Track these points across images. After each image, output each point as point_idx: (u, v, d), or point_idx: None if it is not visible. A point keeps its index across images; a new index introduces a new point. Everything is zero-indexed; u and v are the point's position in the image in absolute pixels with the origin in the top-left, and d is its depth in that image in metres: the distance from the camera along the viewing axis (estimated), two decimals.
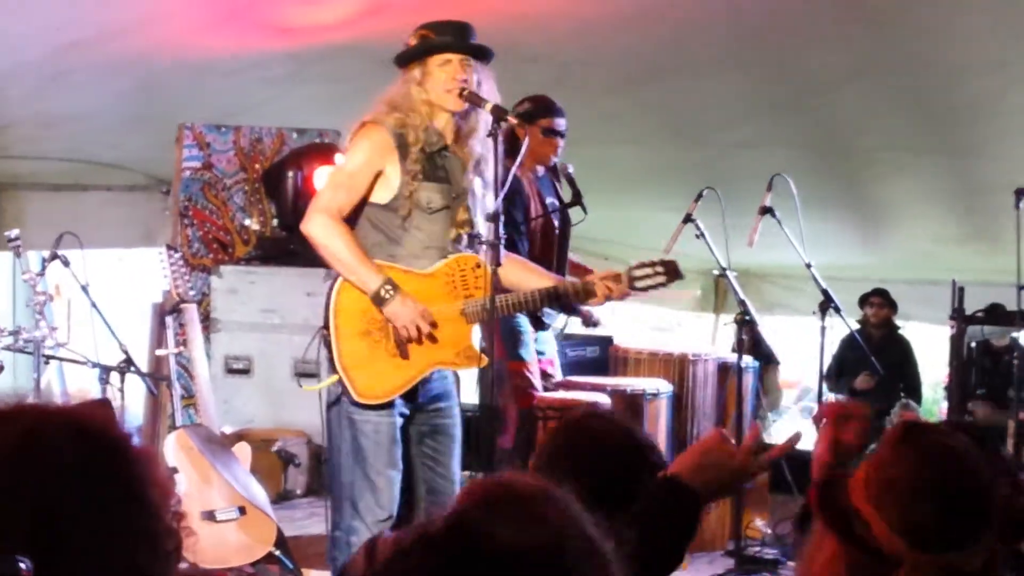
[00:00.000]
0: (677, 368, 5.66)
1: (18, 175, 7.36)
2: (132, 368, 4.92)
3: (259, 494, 4.59)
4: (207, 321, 6.31)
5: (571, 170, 5.21)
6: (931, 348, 9.13)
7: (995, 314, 6.31)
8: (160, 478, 1.35)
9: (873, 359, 6.49)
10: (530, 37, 5.31)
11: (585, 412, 2.55)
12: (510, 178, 4.00)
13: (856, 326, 7.15)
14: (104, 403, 4.26)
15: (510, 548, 1.18)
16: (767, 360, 6.55)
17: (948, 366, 6.77)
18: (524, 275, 3.92)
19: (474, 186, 3.86)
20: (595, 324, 5.82)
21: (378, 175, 3.73)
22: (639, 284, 3.85)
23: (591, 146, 5.81)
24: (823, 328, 5.39)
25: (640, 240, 7.89)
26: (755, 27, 5.48)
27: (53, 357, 5.18)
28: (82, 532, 1.25)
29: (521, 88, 4.84)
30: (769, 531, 5.63)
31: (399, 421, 3.78)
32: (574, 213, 5.26)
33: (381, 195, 3.75)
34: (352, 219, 3.77)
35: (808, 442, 2.28)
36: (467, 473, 4.39)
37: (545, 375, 5.33)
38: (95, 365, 4.94)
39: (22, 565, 1.19)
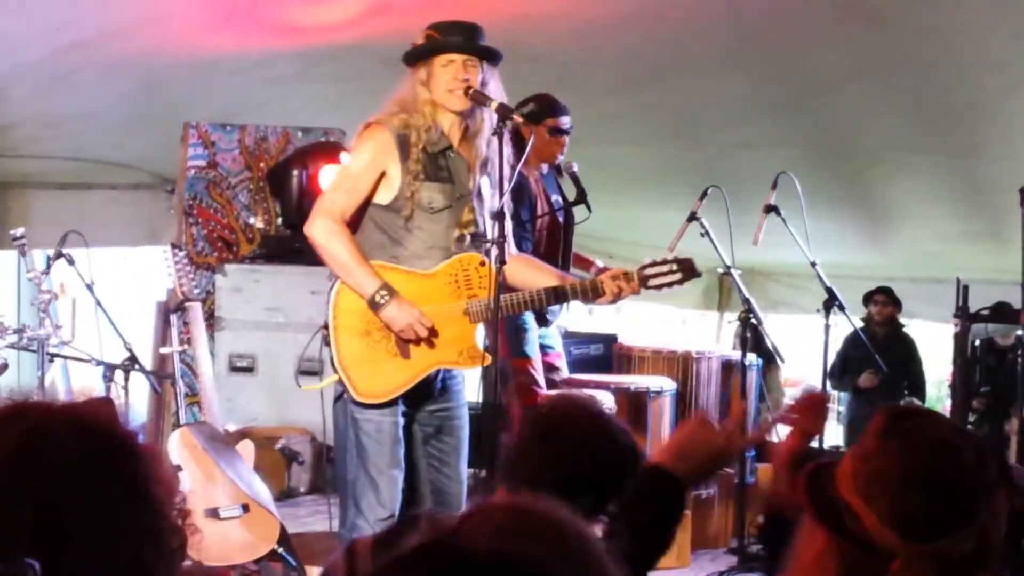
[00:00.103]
0: (681, 366, 5.67)
1: (23, 174, 7.35)
2: (136, 366, 4.93)
3: (263, 492, 4.59)
4: (211, 319, 6.30)
5: (575, 168, 5.22)
6: (935, 346, 9.11)
7: (999, 312, 6.29)
8: (164, 476, 1.36)
9: (877, 357, 6.47)
10: (531, 37, 5.30)
11: (550, 403, 2.60)
12: (515, 176, 4.00)
13: (860, 324, 7.14)
14: (108, 401, 4.26)
15: (498, 560, 1.17)
16: (770, 359, 6.53)
17: (952, 364, 6.75)
18: (530, 273, 3.90)
19: (481, 186, 3.85)
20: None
21: (381, 176, 3.73)
22: (652, 283, 3.84)
23: (592, 146, 5.81)
24: (827, 326, 5.36)
25: (643, 238, 7.91)
26: (755, 27, 5.48)
27: (57, 355, 5.19)
28: (86, 530, 1.26)
29: (522, 88, 4.84)
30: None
31: (401, 420, 3.78)
32: (578, 212, 5.26)
33: (384, 196, 3.75)
34: (357, 220, 3.77)
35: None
36: (471, 471, 4.39)
37: (552, 368, 5.33)
38: (99, 363, 4.94)
39: (31, 568, 1.20)
